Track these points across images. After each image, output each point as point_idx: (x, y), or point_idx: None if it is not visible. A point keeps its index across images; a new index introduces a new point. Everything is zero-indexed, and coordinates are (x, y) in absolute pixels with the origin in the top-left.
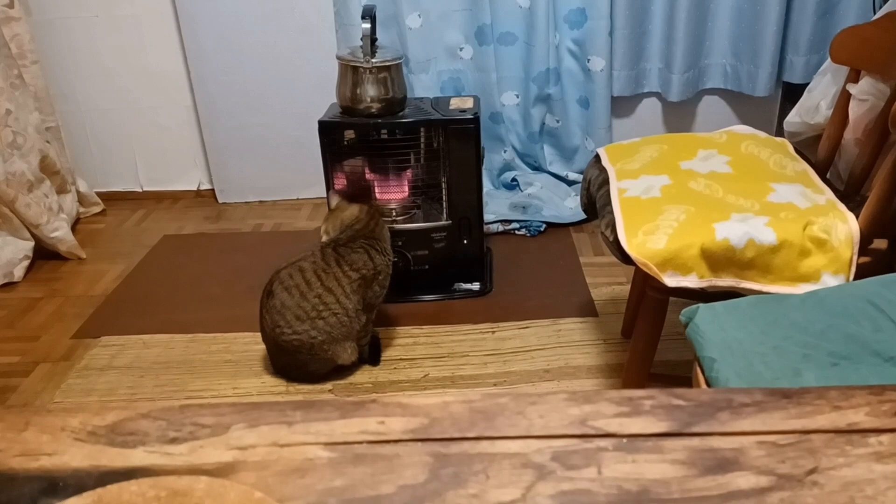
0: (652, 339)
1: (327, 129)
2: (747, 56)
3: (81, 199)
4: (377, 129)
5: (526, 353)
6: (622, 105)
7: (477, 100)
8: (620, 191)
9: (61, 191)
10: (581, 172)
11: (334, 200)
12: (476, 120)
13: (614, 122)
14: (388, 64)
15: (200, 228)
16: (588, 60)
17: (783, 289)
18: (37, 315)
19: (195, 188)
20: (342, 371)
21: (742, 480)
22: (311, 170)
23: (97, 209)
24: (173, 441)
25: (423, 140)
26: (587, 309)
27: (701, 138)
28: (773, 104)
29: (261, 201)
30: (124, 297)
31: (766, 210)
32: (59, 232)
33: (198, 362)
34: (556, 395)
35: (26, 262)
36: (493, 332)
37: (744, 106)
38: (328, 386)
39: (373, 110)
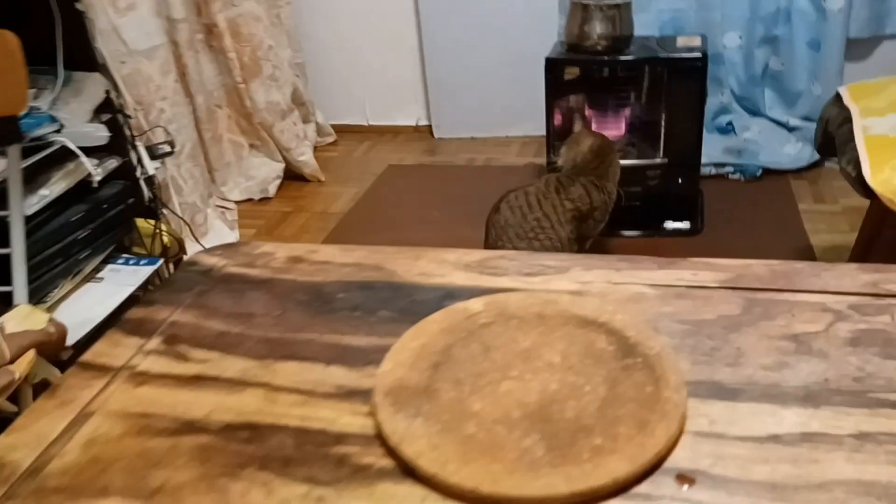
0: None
1: (554, 66)
2: None
3: (318, 129)
4: (604, 67)
5: None
6: (857, 48)
7: (704, 39)
8: (865, 128)
9: (305, 121)
10: (805, 118)
11: (577, 127)
12: (704, 59)
13: (846, 67)
14: (618, 2)
15: (419, 160)
16: None
17: None
18: (289, 226)
19: (414, 123)
20: None
21: None
22: (522, 108)
23: (331, 139)
24: (528, 274)
25: (646, 78)
26: (806, 255)
27: None
28: None
29: (472, 137)
30: (358, 216)
31: None
32: (305, 156)
33: None
34: (847, 265)
35: (278, 181)
36: None
37: None
38: None
39: (599, 48)
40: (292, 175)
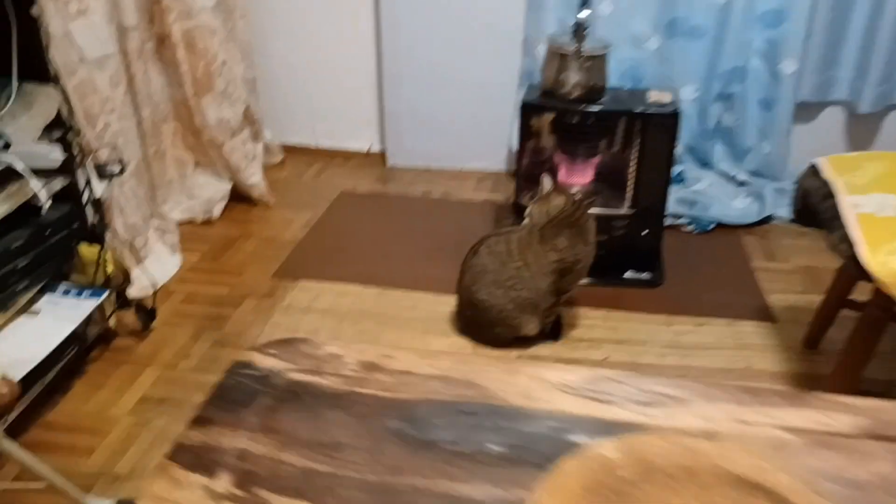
0: (864, 356)
1: (529, 111)
2: None
3: (266, 148)
4: (580, 115)
5: (704, 350)
6: (804, 111)
7: (676, 94)
8: (853, 206)
9: (255, 139)
10: (753, 174)
11: (547, 185)
12: (677, 115)
13: (795, 128)
14: (594, 53)
15: (373, 188)
16: (779, 62)
17: None
18: (237, 253)
19: (366, 149)
20: (525, 342)
21: None
22: (479, 143)
23: (278, 159)
24: (646, 404)
25: (619, 129)
26: (764, 314)
27: None
28: None
29: (427, 168)
30: (312, 246)
31: None
32: (255, 178)
33: (389, 315)
34: None
35: (223, 203)
36: (669, 324)
37: None
38: (514, 353)
39: (574, 96)
40: (238, 196)
